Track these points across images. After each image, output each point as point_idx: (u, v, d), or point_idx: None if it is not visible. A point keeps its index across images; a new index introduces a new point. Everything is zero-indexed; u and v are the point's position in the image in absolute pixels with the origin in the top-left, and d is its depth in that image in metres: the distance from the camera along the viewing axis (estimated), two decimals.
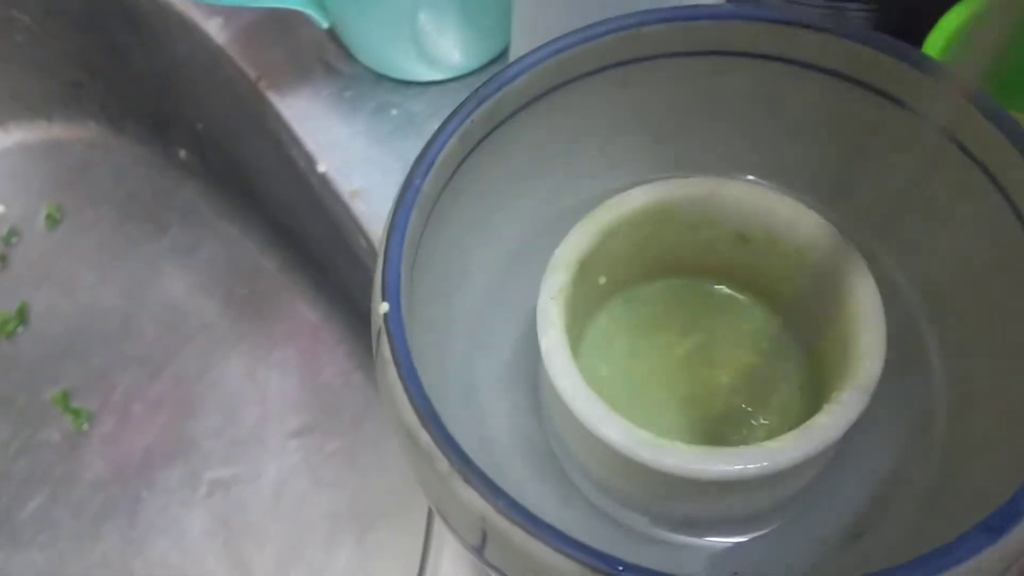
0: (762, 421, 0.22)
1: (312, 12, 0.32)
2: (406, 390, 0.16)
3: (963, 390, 0.22)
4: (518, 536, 0.15)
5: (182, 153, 0.59)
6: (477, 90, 0.20)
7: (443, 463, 0.16)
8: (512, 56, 0.31)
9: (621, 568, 0.14)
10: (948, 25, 0.28)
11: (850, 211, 0.22)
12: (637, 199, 0.21)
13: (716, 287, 0.23)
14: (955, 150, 0.20)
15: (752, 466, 0.17)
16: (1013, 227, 0.20)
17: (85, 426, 0.52)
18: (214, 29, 0.38)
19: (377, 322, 0.17)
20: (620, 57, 0.22)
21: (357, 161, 0.34)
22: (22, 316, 0.56)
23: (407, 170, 0.19)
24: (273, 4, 0.31)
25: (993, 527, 0.15)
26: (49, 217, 0.59)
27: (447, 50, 0.34)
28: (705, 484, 0.18)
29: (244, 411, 0.53)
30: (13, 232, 0.58)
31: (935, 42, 0.28)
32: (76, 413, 0.52)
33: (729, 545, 0.21)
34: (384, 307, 0.17)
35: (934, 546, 0.15)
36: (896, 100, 0.21)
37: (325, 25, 0.33)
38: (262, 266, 0.57)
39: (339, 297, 0.54)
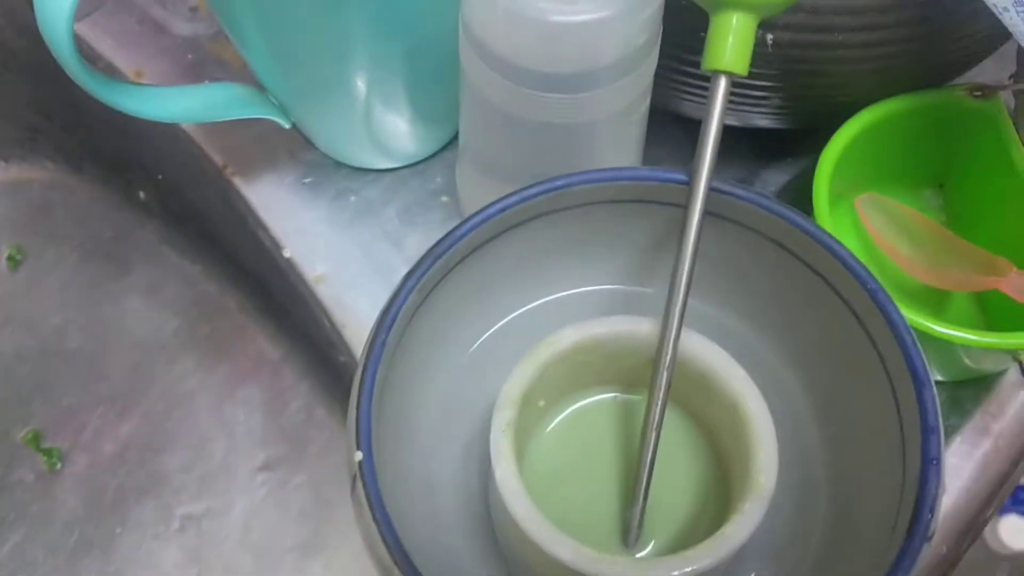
0: (678, 523, 0.26)
1: (276, 117, 0.35)
2: (381, 535, 0.20)
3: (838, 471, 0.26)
4: None
5: (141, 194, 0.61)
6: (432, 249, 0.24)
7: None
8: (461, 151, 0.34)
9: None
10: (840, 139, 0.33)
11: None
12: (569, 338, 0.25)
13: (639, 401, 0.27)
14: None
15: (676, 573, 0.22)
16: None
17: (58, 465, 0.54)
18: None
19: (352, 467, 0.21)
20: (551, 207, 0.25)
21: (320, 247, 0.37)
22: None
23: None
24: (239, 115, 0.34)
25: None
26: (10, 259, 0.60)
27: (399, 142, 0.37)
28: None
29: (212, 446, 0.55)
30: None
31: (829, 155, 0.32)
32: (48, 453, 0.54)
33: None
34: (358, 456, 0.20)
35: None
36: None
37: (287, 125, 0.36)
38: (224, 305, 0.59)
39: (299, 336, 0.56)
